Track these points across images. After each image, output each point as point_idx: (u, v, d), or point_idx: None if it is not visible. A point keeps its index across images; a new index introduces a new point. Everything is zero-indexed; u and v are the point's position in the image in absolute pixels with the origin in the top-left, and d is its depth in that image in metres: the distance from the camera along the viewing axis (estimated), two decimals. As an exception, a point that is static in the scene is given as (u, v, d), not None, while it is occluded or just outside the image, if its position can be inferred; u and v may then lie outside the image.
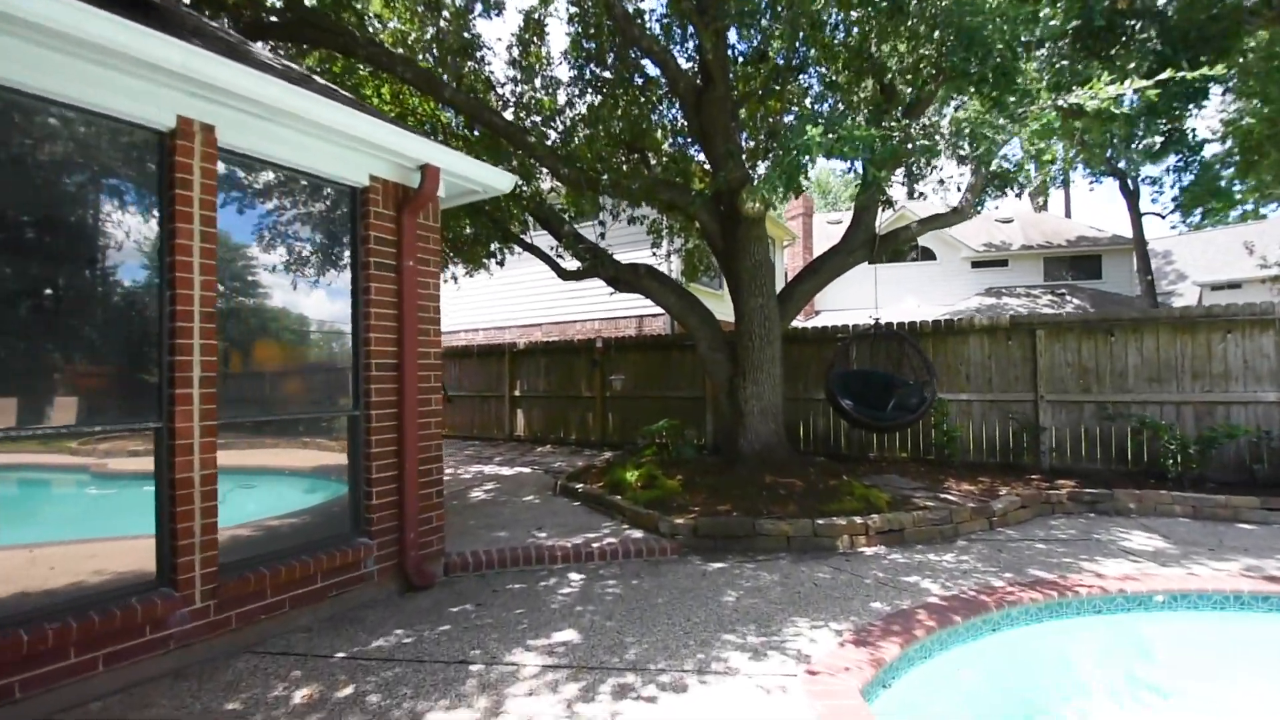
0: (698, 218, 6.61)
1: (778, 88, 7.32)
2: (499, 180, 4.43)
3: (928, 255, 24.07)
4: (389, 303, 4.01)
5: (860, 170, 3.91)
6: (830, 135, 3.54)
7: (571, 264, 7.69)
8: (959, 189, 7.35)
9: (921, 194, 7.78)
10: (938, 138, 4.55)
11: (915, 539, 5.15)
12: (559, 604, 3.79)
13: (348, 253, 3.93)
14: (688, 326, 7.14)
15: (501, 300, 15.80)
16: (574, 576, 4.33)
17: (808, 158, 3.74)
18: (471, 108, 5.97)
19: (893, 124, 4.32)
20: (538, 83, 8.03)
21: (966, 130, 4.35)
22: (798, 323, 12.73)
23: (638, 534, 5.17)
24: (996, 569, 4.39)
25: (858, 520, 5.04)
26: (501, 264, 13.41)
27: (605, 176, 6.20)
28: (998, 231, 25.12)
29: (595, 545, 4.79)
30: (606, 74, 7.66)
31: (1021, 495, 5.99)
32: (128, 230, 3.04)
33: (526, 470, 8.63)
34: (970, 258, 23.68)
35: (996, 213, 27.36)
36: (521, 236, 7.74)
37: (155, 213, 3.07)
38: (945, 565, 4.49)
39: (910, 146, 4.29)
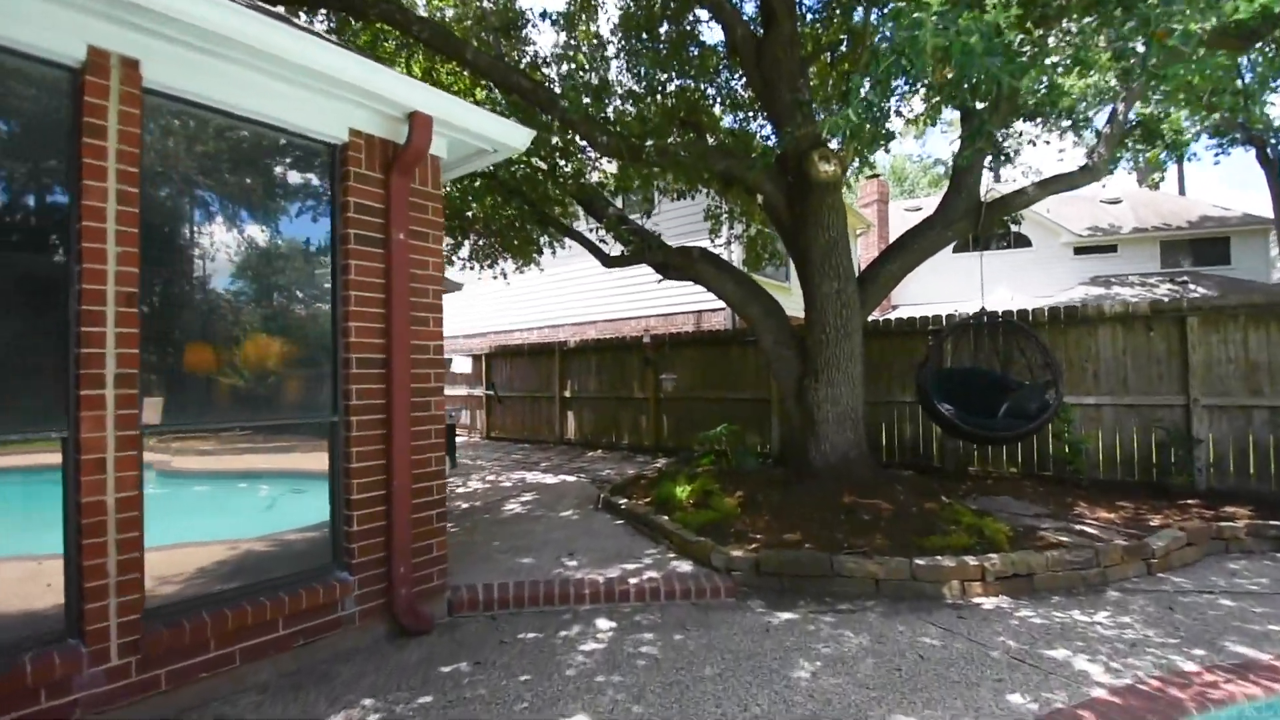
0: (760, 189, 5.62)
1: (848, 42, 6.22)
2: (510, 134, 3.63)
3: (1022, 241, 21.77)
4: (374, 285, 3.28)
5: (980, 83, 2.82)
6: (946, 28, 2.49)
7: (617, 250, 6.85)
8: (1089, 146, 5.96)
9: (1028, 144, 6.37)
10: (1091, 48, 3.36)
11: (1049, 587, 3.96)
12: (576, 669, 2.93)
13: (323, 224, 3.24)
14: (749, 318, 6.14)
15: (555, 297, 15.23)
16: (602, 625, 3.46)
17: (909, 65, 2.71)
18: (498, 71, 5.23)
19: (1023, 36, 3.20)
20: (585, 61, 7.26)
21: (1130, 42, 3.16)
22: (873, 317, 11.39)
23: (686, 566, 4.25)
24: (1177, 639, 3.18)
25: (970, 561, 3.91)
26: (554, 253, 12.84)
27: (650, 143, 5.32)
28: (1104, 213, 22.45)
29: (633, 581, 3.91)
30: (660, 47, 6.80)
31: (1186, 529, 4.64)
32: (27, 193, 2.42)
33: (571, 479, 7.86)
34: (1072, 243, 21.22)
35: (1102, 192, 24.53)
36: (561, 221, 6.95)
37: (62, 171, 2.44)
38: (1101, 631, 3.31)
39: (1052, 64, 3.17)
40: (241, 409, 2.96)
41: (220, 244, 2.93)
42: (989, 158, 5.52)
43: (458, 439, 13.02)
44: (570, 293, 14.87)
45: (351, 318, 3.19)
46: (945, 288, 20.90)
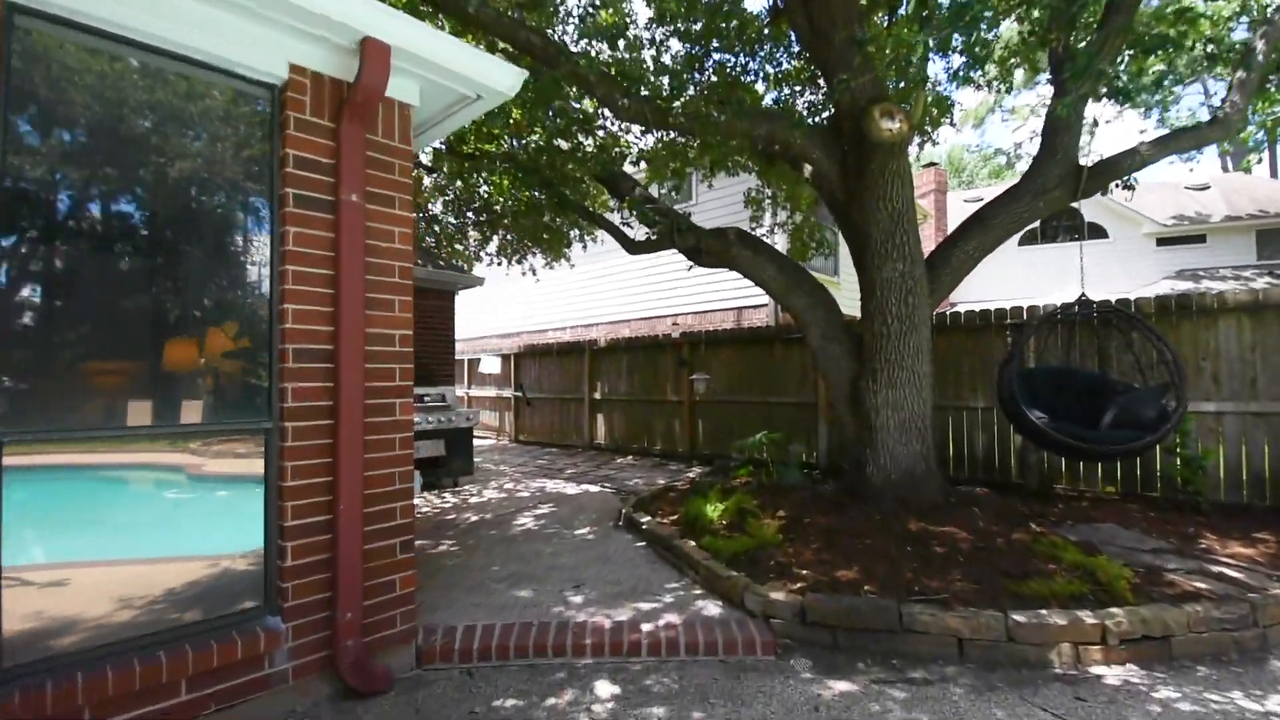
0: (808, 156, 4.79)
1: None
2: (493, 74, 2.94)
3: (1097, 233, 19.99)
4: (319, 258, 2.63)
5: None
6: None
7: (642, 234, 6.11)
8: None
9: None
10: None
11: (1191, 653, 3.01)
12: (558, 763, 2.20)
13: (257, 183, 2.61)
14: (793, 310, 5.30)
15: (588, 295, 14.62)
16: (603, 690, 2.72)
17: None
18: (504, 27, 4.58)
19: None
20: (621, 44, 6.54)
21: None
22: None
23: (714, 608, 3.46)
24: None
25: (1086, 618, 2.99)
26: (585, 248, 12.22)
27: (678, 105, 4.56)
28: (1190, 201, 20.41)
29: (646, 628, 3.16)
30: (696, 26, 6.03)
31: (1370, 576, 3.57)
32: None
33: (594, 489, 7.16)
34: (1155, 234, 19.32)
35: (1188, 177, 22.38)
36: (582, 204, 6.25)
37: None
38: (1293, 733, 2.37)
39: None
40: (143, 411, 2.35)
41: (119, 210, 2.33)
42: (1089, 119, 4.49)
43: (486, 442, 12.55)
44: (603, 290, 14.23)
45: (289, 298, 2.55)
46: (1007, 284, 19.35)
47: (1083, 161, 4.68)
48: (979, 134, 55.16)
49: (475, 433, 13.62)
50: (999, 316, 6.30)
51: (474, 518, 5.83)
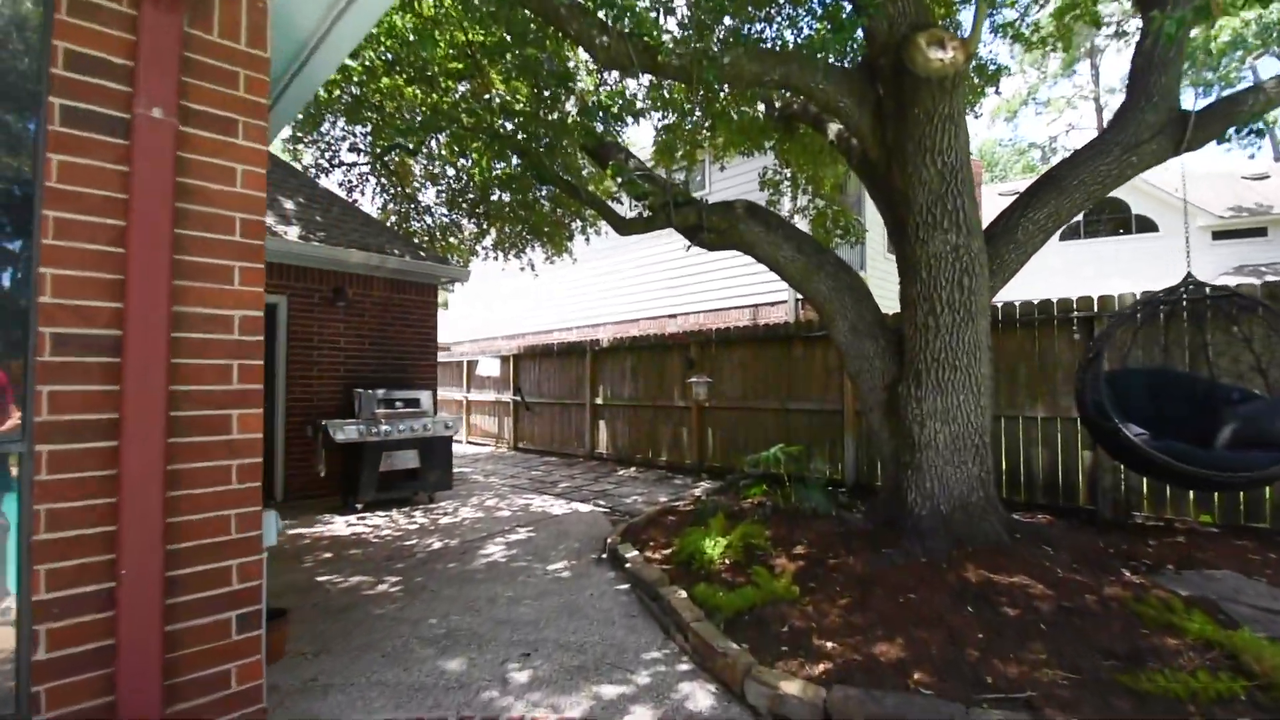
0: (833, 106, 3.84)
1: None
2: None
3: (1145, 226, 18.59)
4: (102, 203, 1.78)
5: None
6: None
7: (635, 211, 5.21)
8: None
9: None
10: None
11: None
12: None
13: (14, 90, 1.77)
14: (815, 297, 4.34)
15: (594, 294, 13.77)
16: None
17: None
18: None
19: None
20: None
21: None
22: None
23: (704, 697, 2.52)
24: None
25: (1262, 745, 2.00)
26: (588, 241, 11.37)
27: (669, 40, 3.66)
28: (1249, 192, 18.90)
29: (605, 731, 2.24)
30: None
31: None
32: None
33: (584, 509, 6.26)
34: (1211, 227, 17.83)
35: (1245, 166, 20.79)
36: (563, 177, 5.35)
37: None
38: None
39: None
40: None
41: None
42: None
43: (484, 450, 11.74)
44: (610, 288, 13.36)
45: (51, 259, 1.71)
46: (1045, 281, 18.00)
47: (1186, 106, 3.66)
48: (1011, 127, 53.28)
49: (473, 440, 12.86)
50: (1062, 308, 5.26)
51: (437, 544, 4.97)
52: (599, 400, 9.80)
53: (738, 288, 10.84)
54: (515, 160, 5.40)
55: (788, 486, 5.45)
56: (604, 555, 4.50)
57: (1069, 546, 3.86)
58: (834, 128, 4.70)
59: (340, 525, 5.64)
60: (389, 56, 5.05)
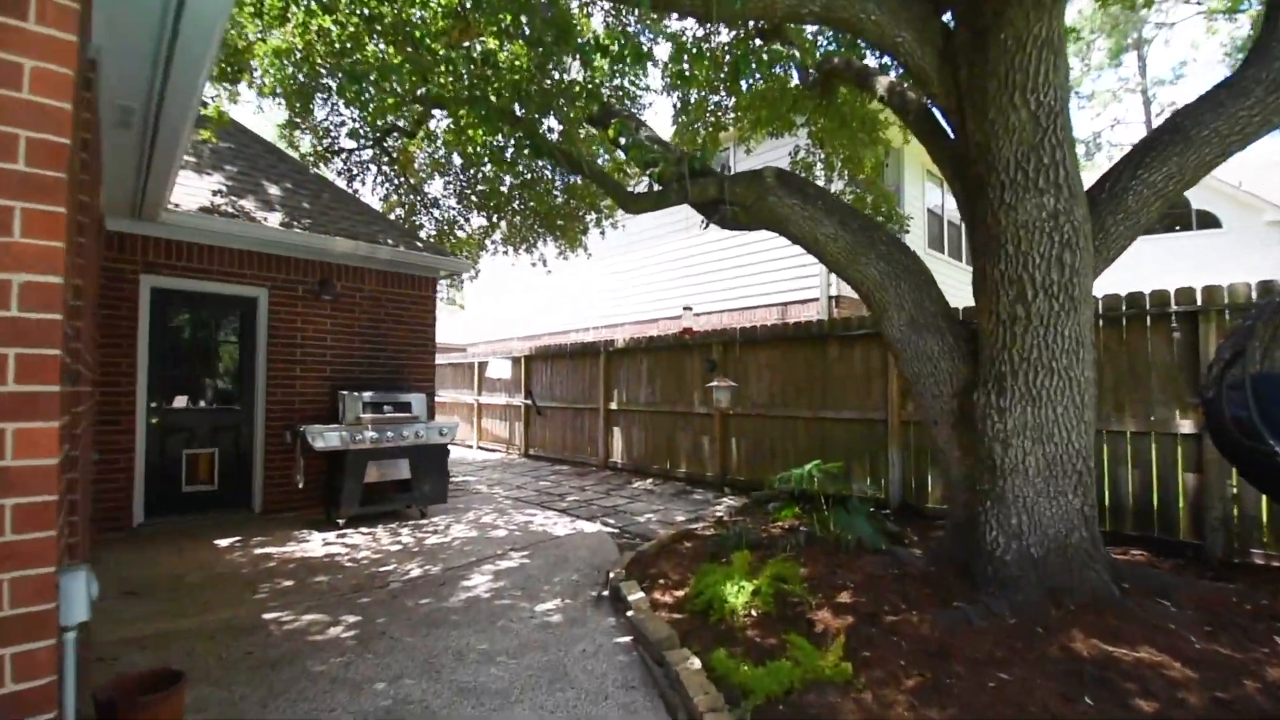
0: (889, 42, 3.08)
1: None
2: None
3: (1207, 221, 17.25)
4: None
5: None
6: None
7: (645, 187, 4.48)
8: None
9: None
10: None
11: None
12: None
13: None
14: (863, 284, 3.55)
15: (613, 292, 13.09)
16: None
17: None
18: None
19: None
20: None
21: None
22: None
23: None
24: None
25: None
26: (603, 235, 10.69)
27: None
28: (1324, 184, 17.38)
29: None
30: None
31: None
32: None
33: (590, 529, 5.54)
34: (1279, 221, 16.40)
35: (1319, 159, 19.24)
36: (560, 146, 4.64)
37: None
38: None
39: None
40: None
41: None
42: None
43: (494, 456, 11.12)
44: (630, 286, 12.67)
45: None
46: (1103, 280, 16.77)
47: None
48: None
49: (483, 446, 12.24)
50: (1157, 301, 4.37)
51: (416, 571, 4.30)
52: (613, 405, 9.09)
53: (764, 284, 10.05)
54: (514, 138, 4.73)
55: (824, 510, 4.66)
56: (605, 593, 3.77)
57: (1191, 599, 3.01)
58: (883, 81, 3.91)
59: (315, 544, 5.01)
60: (365, 12, 4.41)
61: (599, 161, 7.12)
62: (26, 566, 1.33)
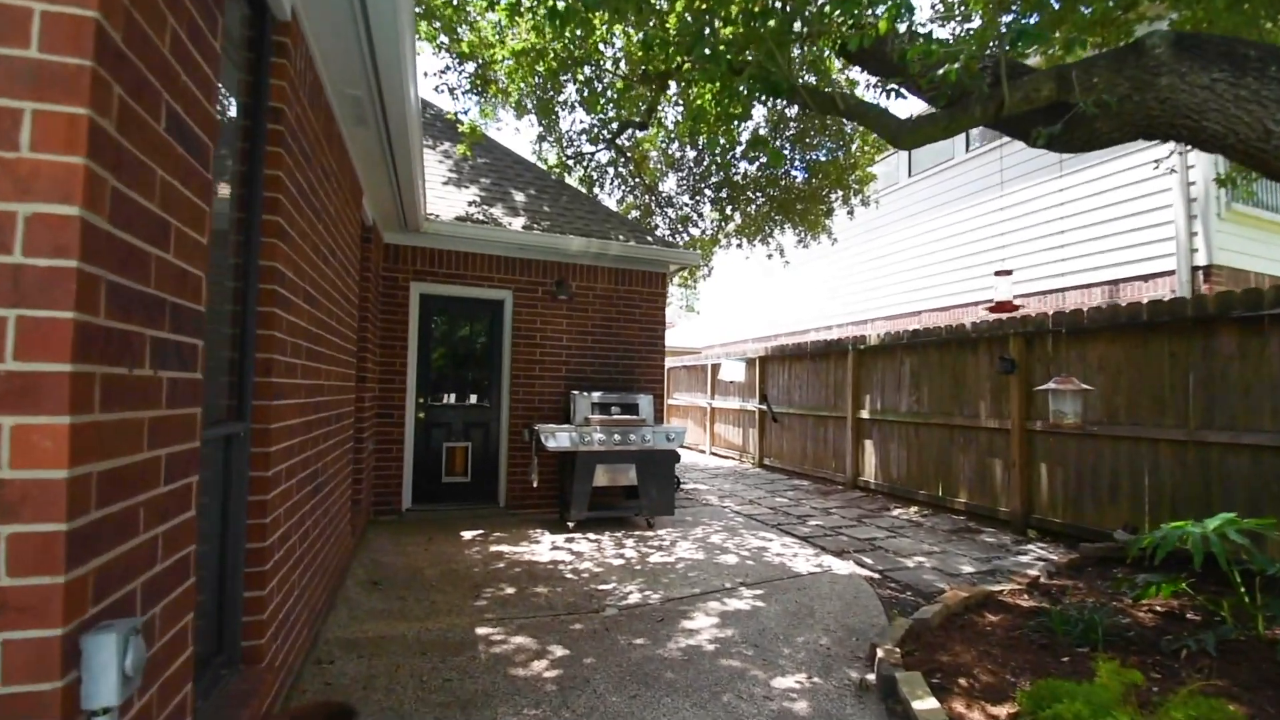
0: None
1: None
2: None
3: None
4: None
5: None
6: None
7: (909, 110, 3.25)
8: None
9: None
10: None
11: None
12: None
13: None
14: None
15: (861, 284, 11.48)
16: None
17: None
18: None
19: None
20: None
21: None
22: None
23: None
24: None
25: None
26: (851, 215, 9.35)
27: None
28: None
29: None
30: None
31: None
32: None
33: (842, 569, 4.42)
34: None
35: None
36: (804, 84, 3.64)
37: None
38: None
39: None
40: None
41: None
42: None
43: (726, 464, 10.43)
44: (882, 275, 10.94)
45: None
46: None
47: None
48: None
49: (716, 451, 11.64)
50: None
51: (635, 597, 3.75)
52: (864, 414, 7.68)
53: (1079, 257, 7.61)
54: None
55: (1242, 591, 2.89)
56: (870, 677, 2.70)
57: None
58: None
59: (544, 546, 4.84)
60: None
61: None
62: (28, 627, 0.92)
